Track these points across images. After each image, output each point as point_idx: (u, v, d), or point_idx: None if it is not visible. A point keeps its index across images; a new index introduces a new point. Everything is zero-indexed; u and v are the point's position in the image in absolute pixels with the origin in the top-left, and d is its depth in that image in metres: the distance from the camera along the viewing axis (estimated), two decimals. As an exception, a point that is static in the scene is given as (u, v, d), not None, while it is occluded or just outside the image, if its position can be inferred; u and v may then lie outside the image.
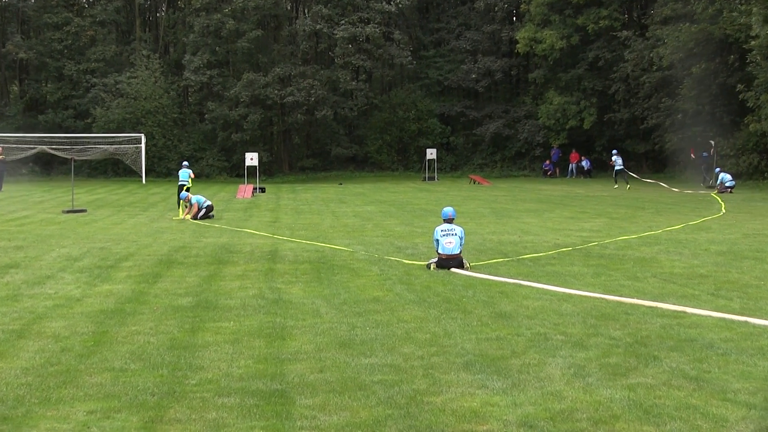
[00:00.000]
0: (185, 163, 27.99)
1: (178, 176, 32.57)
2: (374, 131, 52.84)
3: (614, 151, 40.45)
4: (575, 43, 46.84)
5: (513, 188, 37.78)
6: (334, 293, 11.63)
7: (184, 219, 22.73)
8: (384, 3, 48.31)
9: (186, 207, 22.89)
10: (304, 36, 49.77)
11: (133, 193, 35.25)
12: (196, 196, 23.26)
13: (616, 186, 37.60)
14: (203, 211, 22.74)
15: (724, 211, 24.83)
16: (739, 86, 37.32)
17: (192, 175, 26.69)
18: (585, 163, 47.45)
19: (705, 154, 38.79)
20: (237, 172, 47.81)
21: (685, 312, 10.26)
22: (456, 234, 13.53)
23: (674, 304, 10.76)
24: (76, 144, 43.82)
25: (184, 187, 25.83)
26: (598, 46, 47.15)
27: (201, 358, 8.22)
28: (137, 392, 7.13)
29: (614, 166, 38.09)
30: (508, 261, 14.64)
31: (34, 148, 42.62)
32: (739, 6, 36.77)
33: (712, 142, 38.67)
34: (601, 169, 48.32)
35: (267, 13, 48.94)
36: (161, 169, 48.66)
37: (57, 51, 50.84)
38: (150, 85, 48.81)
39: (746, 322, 9.64)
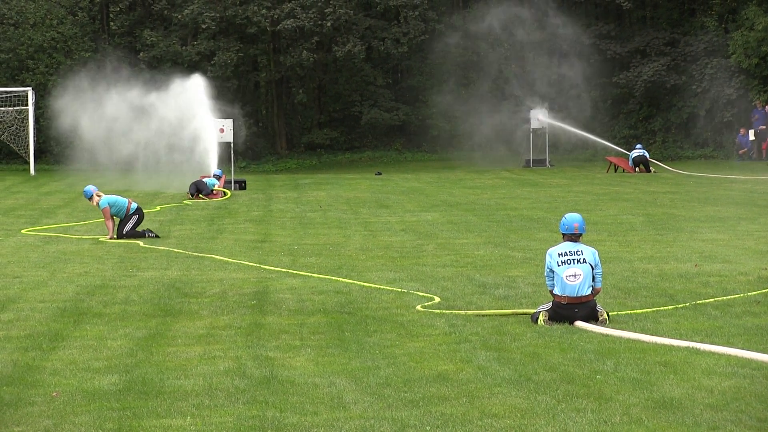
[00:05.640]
0: (217, 172, 29.13)
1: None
2: (438, 80, 48.59)
3: None
4: None
5: (683, 180, 34.58)
6: (368, 367, 9.87)
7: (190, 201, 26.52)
8: None
9: (109, 218, 20.74)
10: None
11: (14, 191, 32.25)
12: (107, 196, 20.04)
13: None
14: (132, 221, 19.65)
15: None
16: None
17: (220, 184, 28.00)
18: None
19: None
20: (195, 152, 44.68)
21: None
22: (586, 261, 11.45)
23: None
24: None
25: (212, 188, 27.01)
26: None
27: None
28: None
29: None
30: (676, 309, 12.50)
31: None
32: None
33: None
34: None
35: None
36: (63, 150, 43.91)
37: None
38: (42, 2, 44.51)
39: None
